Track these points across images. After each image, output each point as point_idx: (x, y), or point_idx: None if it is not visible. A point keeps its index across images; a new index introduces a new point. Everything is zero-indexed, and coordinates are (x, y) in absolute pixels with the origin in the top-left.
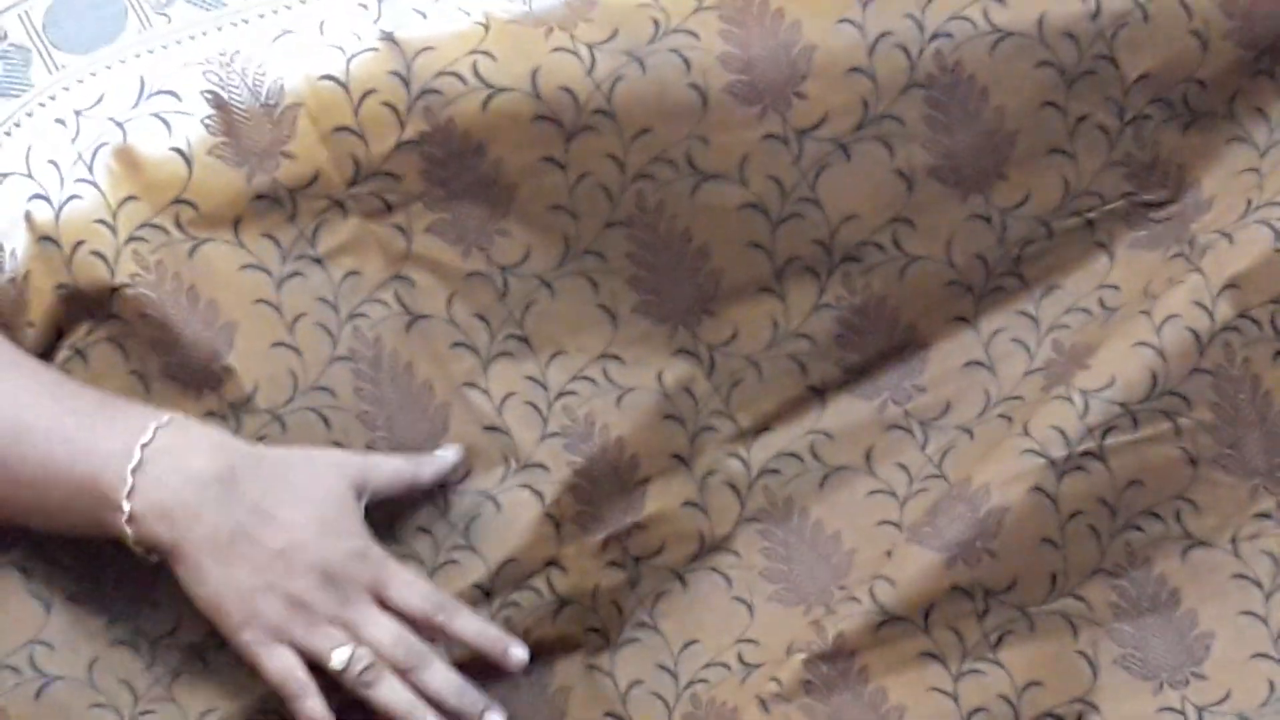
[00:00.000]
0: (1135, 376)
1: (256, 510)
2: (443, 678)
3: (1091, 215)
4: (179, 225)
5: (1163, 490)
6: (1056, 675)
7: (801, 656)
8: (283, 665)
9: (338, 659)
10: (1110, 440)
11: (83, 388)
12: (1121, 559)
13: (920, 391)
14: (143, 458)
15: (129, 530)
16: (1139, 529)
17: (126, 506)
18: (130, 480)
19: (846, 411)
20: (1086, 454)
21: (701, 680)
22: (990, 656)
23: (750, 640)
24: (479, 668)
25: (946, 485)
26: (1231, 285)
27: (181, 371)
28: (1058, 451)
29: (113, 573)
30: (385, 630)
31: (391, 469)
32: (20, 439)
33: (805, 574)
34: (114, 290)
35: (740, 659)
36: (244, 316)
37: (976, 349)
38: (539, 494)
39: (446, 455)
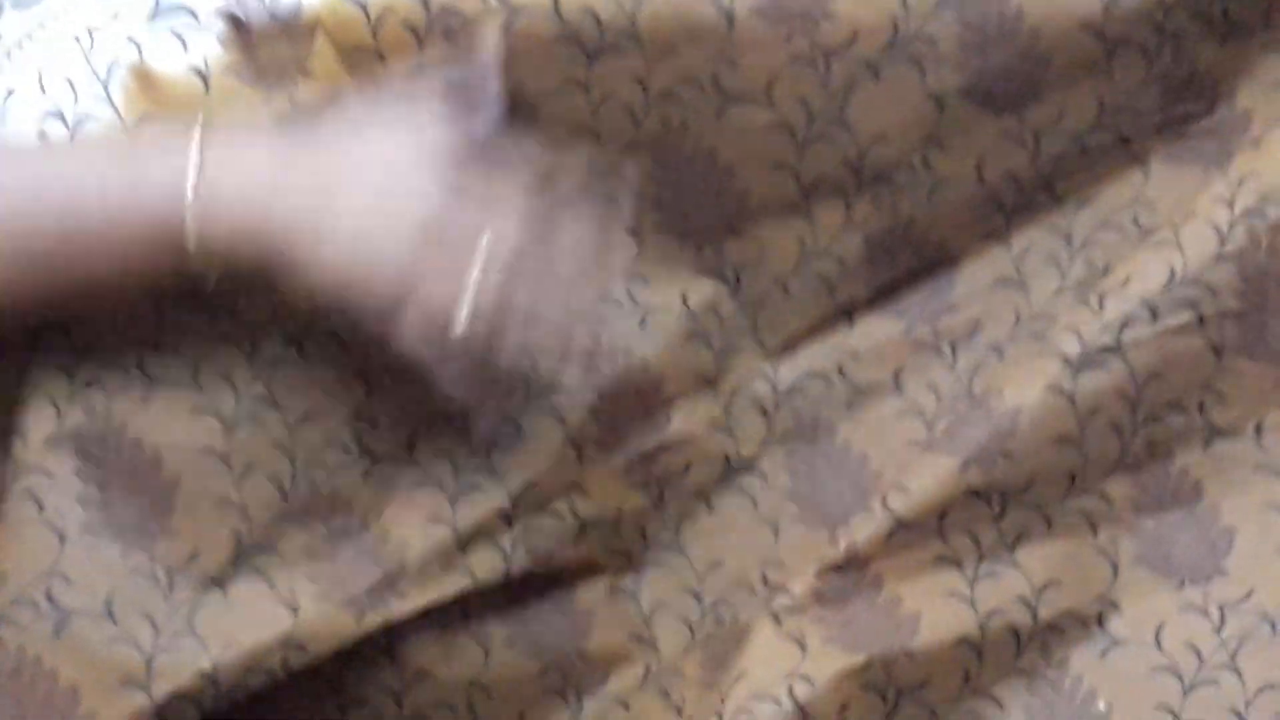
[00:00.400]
0: (1152, 270)
1: (337, 166)
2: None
3: (1126, 131)
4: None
5: (1185, 381)
6: (1075, 574)
7: (813, 568)
8: (413, 327)
9: (462, 313)
10: (1129, 334)
11: (118, 137)
12: (1142, 453)
13: (950, 310)
14: (201, 156)
15: (201, 245)
16: (1160, 422)
17: (195, 216)
18: (193, 187)
19: (875, 331)
20: (1104, 350)
21: (725, 602)
22: (1007, 558)
23: (774, 562)
24: (500, 592)
25: (974, 402)
26: (1252, 176)
27: None
28: (1073, 349)
29: (127, 500)
30: (506, 243)
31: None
32: (74, 201)
33: (831, 495)
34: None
35: (764, 580)
36: None
37: (1007, 266)
38: (561, 418)
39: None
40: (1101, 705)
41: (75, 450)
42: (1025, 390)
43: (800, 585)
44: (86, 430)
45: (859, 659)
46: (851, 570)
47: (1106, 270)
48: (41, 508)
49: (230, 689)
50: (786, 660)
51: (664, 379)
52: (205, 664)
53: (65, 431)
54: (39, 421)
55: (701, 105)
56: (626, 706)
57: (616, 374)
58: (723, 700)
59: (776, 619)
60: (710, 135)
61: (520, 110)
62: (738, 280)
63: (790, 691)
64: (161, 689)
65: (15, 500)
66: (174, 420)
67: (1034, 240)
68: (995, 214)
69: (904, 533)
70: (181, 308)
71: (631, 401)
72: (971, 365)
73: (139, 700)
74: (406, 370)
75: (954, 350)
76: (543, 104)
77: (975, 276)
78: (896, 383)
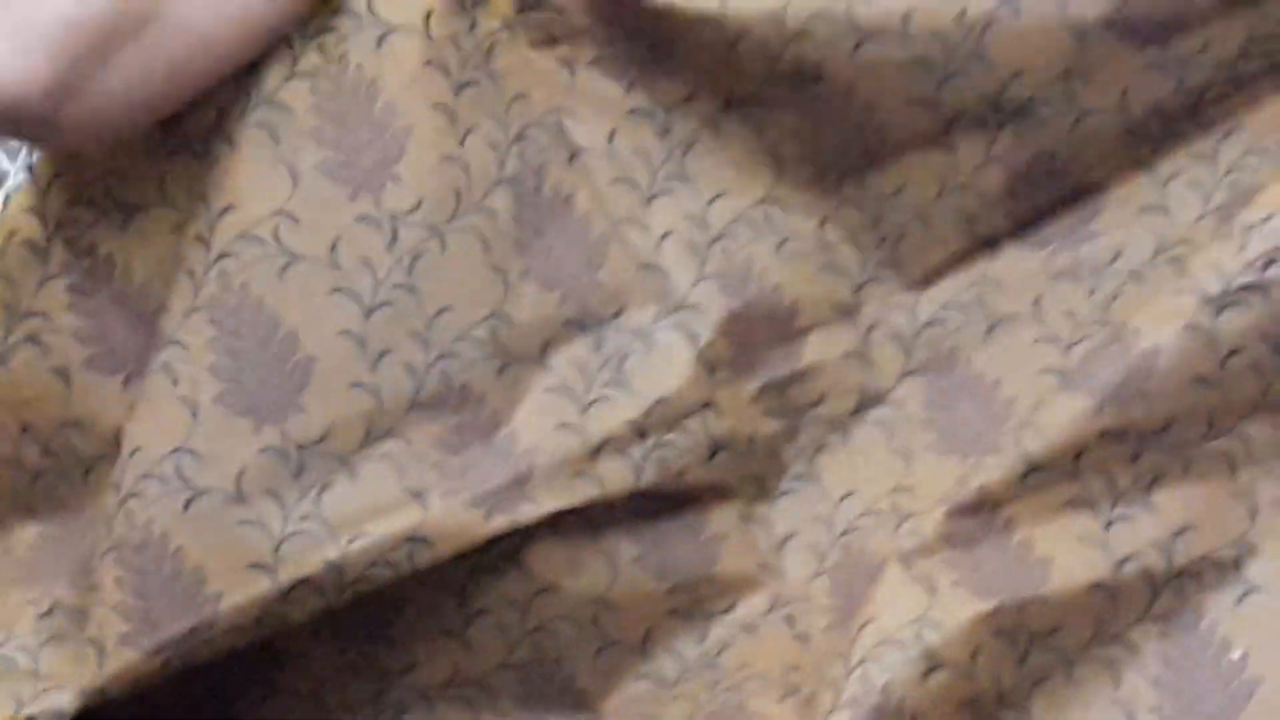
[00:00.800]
0: None
1: None
2: None
3: (1277, 59)
4: (370, 10)
5: None
6: (1212, 518)
7: (943, 509)
8: None
9: None
10: (1271, 273)
11: None
12: None
13: (1092, 238)
14: None
15: None
16: None
17: None
18: None
19: (1016, 261)
20: (1245, 288)
21: (855, 529)
22: (1142, 501)
23: (905, 489)
24: (632, 507)
25: (1109, 331)
26: None
27: (341, 170)
28: (1214, 287)
29: (261, 375)
30: None
31: None
32: None
33: (964, 422)
34: (290, 77)
35: (894, 508)
36: (420, 121)
37: (1152, 193)
38: (692, 336)
39: None
40: (1236, 654)
41: (210, 321)
42: (1164, 328)
43: (930, 527)
44: (221, 301)
45: (989, 604)
46: (983, 512)
47: (1250, 193)
48: (175, 381)
49: (354, 580)
50: (915, 604)
51: (798, 307)
52: (332, 553)
53: (200, 302)
54: (179, 294)
55: (838, 42)
56: (752, 632)
57: (750, 297)
58: (851, 644)
59: (905, 561)
60: (847, 72)
61: (661, 32)
62: (878, 211)
63: (919, 637)
64: (288, 575)
65: (153, 374)
66: (311, 298)
67: (1179, 167)
68: (1141, 144)
69: (1037, 474)
70: (316, 186)
71: (764, 325)
72: (1110, 291)
73: (265, 585)
74: (548, 273)
75: (1094, 278)
76: (684, 33)
77: (1119, 204)
78: (1035, 311)
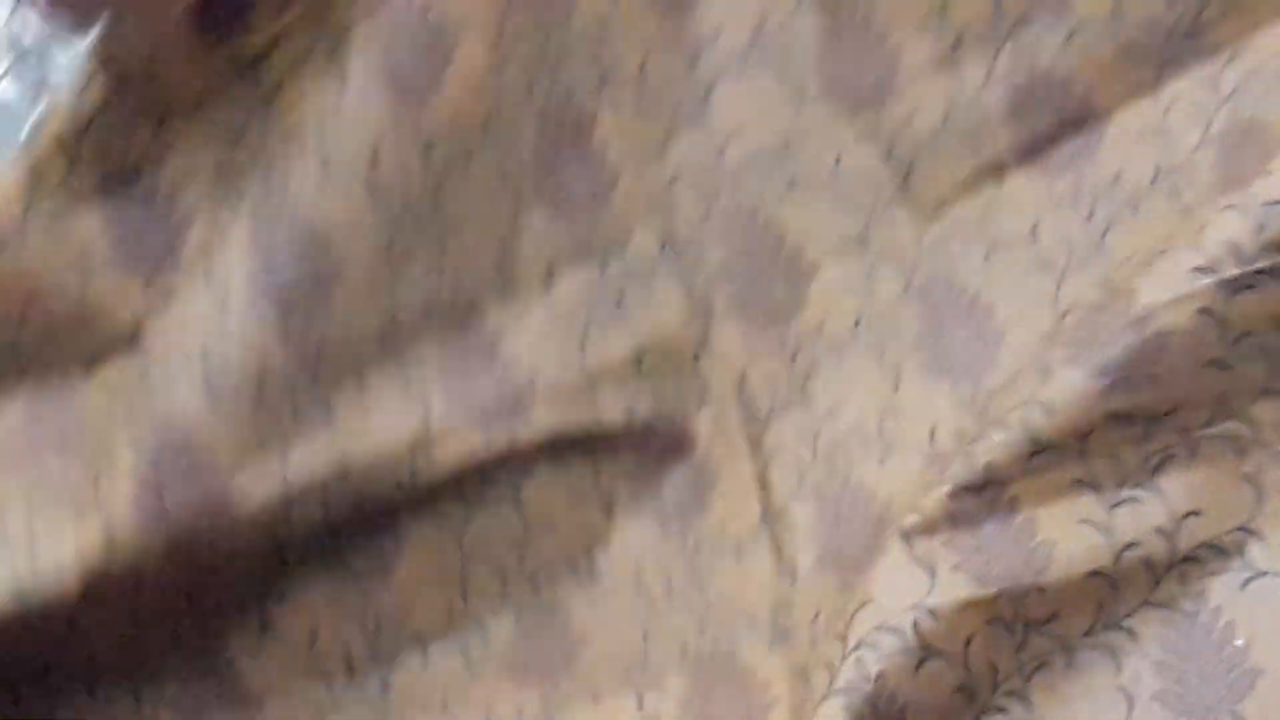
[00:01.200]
0: None
1: None
2: None
3: None
4: None
5: None
6: (1218, 502)
7: (946, 488)
8: None
9: None
10: None
11: None
12: None
13: (1095, 164)
14: None
15: None
16: None
17: None
18: None
19: (1021, 187)
20: (1261, 272)
21: (839, 446)
22: (1149, 484)
23: (893, 411)
24: (632, 444)
25: (1106, 261)
26: None
27: (390, 78)
28: (1230, 270)
29: (291, 269)
30: None
31: None
32: None
33: (955, 346)
34: None
35: (880, 433)
36: (467, 40)
37: (1154, 117)
38: (687, 280)
39: None
40: (1239, 642)
41: (249, 215)
42: (1175, 311)
43: (931, 505)
44: (260, 202)
45: (988, 593)
46: (986, 492)
47: (1250, 128)
48: (209, 278)
49: (357, 486)
50: (914, 588)
51: (804, 249)
52: (338, 454)
53: (242, 205)
54: (217, 197)
55: None
56: (740, 558)
57: (751, 241)
58: (848, 624)
59: (907, 539)
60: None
61: None
62: (890, 143)
63: (915, 625)
64: (296, 471)
65: (186, 271)
66: (346, 198)
67: (1182, 91)
68: (1142, 64)
69: (1044, 455)
70: (366, 89)
71: (766, 269)
72: (1106, 217)
73: (274, 472)
74: (558, 203)
75: (1092, 203)
76: None
77: (1122, 129)
78: (1034, 235)
